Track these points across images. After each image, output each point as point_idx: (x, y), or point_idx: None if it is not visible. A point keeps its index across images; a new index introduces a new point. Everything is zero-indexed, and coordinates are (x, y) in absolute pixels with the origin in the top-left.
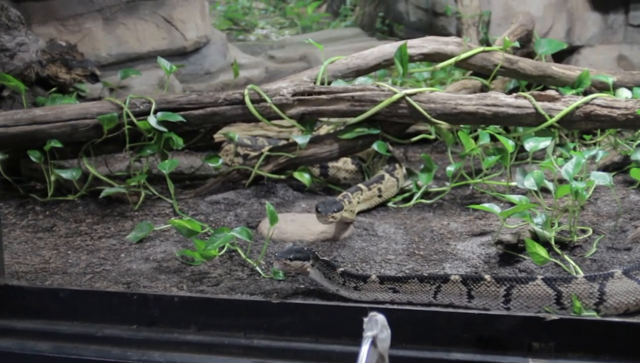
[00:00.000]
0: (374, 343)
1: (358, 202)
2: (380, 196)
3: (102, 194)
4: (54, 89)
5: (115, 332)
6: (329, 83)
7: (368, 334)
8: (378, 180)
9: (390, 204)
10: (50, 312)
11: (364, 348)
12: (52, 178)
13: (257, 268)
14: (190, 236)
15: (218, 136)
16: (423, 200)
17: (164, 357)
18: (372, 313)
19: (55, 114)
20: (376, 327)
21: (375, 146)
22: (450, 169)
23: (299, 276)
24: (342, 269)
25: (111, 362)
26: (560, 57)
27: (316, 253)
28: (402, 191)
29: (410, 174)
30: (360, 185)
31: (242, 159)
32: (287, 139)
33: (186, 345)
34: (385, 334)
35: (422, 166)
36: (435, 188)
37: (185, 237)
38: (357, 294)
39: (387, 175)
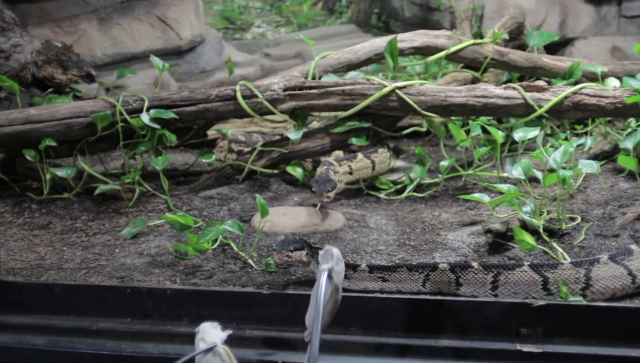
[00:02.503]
0: (329, 275)
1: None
2: (350, 173)
3: (97, 191)
4: (50, 90)
5: (110, 326)
6: (321, 78)
7: (324, 266)
8: (350, 158)
9: (382, 196)
10: (45, 306)
11: (322, 280)
12: (48, 176)
13: (250, 260)
14: (183, 230)
15: (212, 133)
16: (415, 193)
17: (157, 349)
18: (327, 247)
19: (49, 113)
20: (332, 259)
21: (354, 140)
22: (444, 163)
23: (291, 267)
24: None
25: (105, 354)
26: (554, 49)
27: (308, 241)
28: (394, 183)
29: (397, 152)
30: (330, 159)
31: (236, 155)
32: (281, 135)
33: (179, 337)
34: (340, 267)
35: (415, 160)
36: (428, 181)
37: (179, 231)
38: (346, 283)
39: (360, 155)
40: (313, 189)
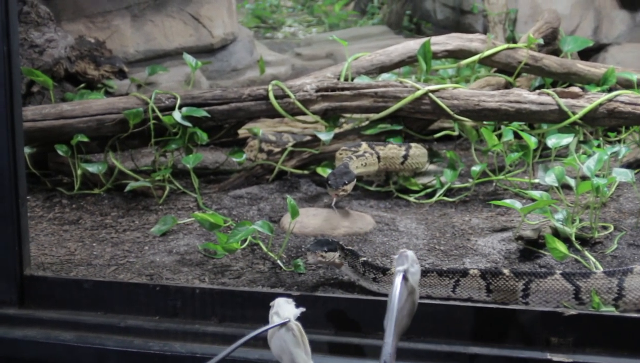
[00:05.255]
0: (405, 277)
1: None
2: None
3: (127, 188)
4: (82, 85)
5: (138, 323)
6: (353, 79)
7: (400, 268)
8: (380, 145)
9: (412, 199)
10: (74, 302)
11: (397, 281)
12: (79, 172)
13: (279, 261)
14: (212, 229)
15: (242, 132)
16: (445, 198)
17: (185, 348)
18: (402, 250)
19: (82, 109)
20: (407, 261)
21: (391, 141)
22: (475, 168)
23: (321, 269)
24: (364, 259)
25: (133, 352)
26: (587, 55)
27: (341, 244)
28: (425, 186)
29: (432, 155)
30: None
31: (266, 155)
32: (312, 135)
33: (207, 337)
34: (416, 268)
35: (446, 163)
36: (458, 185)
37: (208, 230)
38: (375, 286)
39: (392, 144)
40: (330, 183)
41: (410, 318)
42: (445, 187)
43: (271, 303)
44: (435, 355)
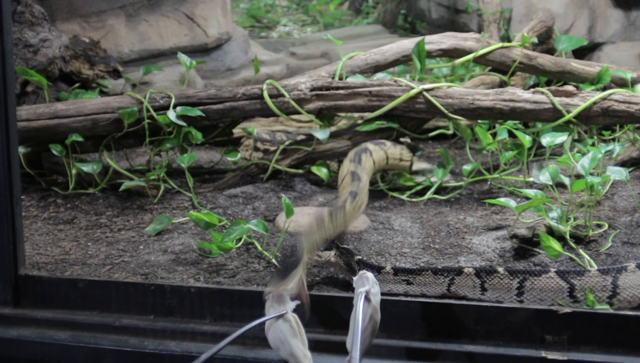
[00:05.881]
0: (367, 298)
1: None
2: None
3: (122, 187)
4: (76, 85)
5: (133, 322)
6: (347, 78)
7: (361, 290)
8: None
9: (405, 198)
10: (69, 301)
11: (360, 304)
12: (73, 171)
13: (273, 260)
14: (207, 228)
15: (237, 131)
16: (438, 196)
17: (180, 347)
18: (361, 272)
19: (76, 108)
20: (367, 282)
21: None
22: (467, 167)
23: (315, 268)
24: (358, 257)
25: (128, 351)
26: (581, 54)
27: (337, 242)
28: (417, 184)
29: (413, 149)
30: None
31: (262, 154)
32: (307, 134)
33: (202, 335)
34: (376, 289)
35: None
36: (452, 184)
37: (203, 229)
38: None
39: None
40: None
41: (372, 337)
42: (436, 185)
43: (265, 297)
44: (431, 353)
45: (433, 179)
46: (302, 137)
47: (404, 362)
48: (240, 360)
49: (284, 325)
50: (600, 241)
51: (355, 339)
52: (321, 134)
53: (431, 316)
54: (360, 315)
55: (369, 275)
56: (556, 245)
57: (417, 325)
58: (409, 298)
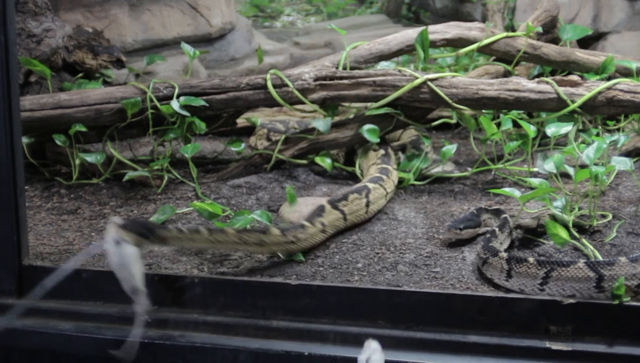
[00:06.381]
0: None
1: (292, 242)
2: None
3: (126, 178)
4: (80, 75)
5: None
6: (352, 68)
7: (361, 357)
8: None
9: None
10: (73, 292)
11: None
12: (77, 161)
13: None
14: (211, 219)
15: (241, 121)
16: (434, 185)
17: (184, 337)
18: (368, 341)
19: (80, 98)
20: (368, 350)
21: (365, 133)
22: (446, 149)
23: (319, 258)
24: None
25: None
26: (586, 43)
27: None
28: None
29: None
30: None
31: (275, 145)
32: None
33: (206, 326)
34: (378, 356)
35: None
36: (456, 174)
37: (207, 219)
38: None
39: (327, 206)
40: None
41: None
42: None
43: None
44: (435, 343)
45: (437, 169)
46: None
47: (408, 352)
48: (243, 350)
49: (131, 250)
50: (605, 231)
51: None
52: (322, 125)
53: (435, 306)
54: None
55: (374, 344)
56: (563, 232)
57: (420, 315)
58: (412, 289)
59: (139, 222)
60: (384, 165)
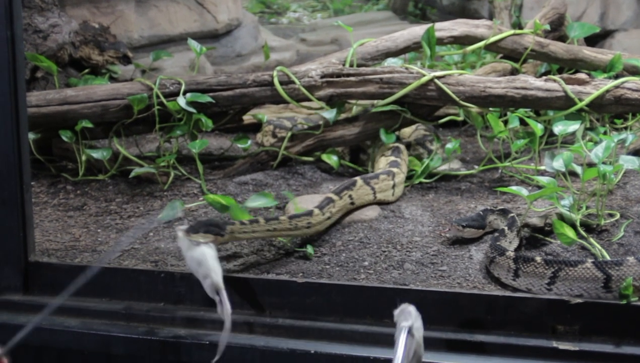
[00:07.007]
0: (410, 332)
1: (329, 218)
2: (352, 203)
3: (132, 174)
4: (86, 71)
5: (143, 309)
6: (358, 65)
7: (404, 324)
8: (349, 187)
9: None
10: (79, 289)
11: (402, 338)
12: (83, 158)
13: (289, 244)
14: (224, 211)
15: (247, 118)
16: (441, 182)
17: (190, 334)
18: (402, 305)
19: (86, 95)
20: (410, 317)
21: (382, 135)
22: (450, 146)
23: (326, 256)
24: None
25: (138, 338)
26: (593, 41)
27: (491, 208)
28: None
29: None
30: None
31: (281, 142)
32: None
33: (212, 323)
34: (419, 323)
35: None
36: (463, 171)
37: (220, 212)
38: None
39: (359, 181)
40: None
41: None
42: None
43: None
44: (441, 342)
45: (443, 167)
46: (321, 122)
47: None
48: (249, 348)
49: (208, 250)
50: (612, 231)
51: None
52: (328, 114)
53: (443, 305)
54: (402, 351)
55: (412, 309)
56: (570, 232)
57: (426, 314)
58: (420, 287)
59: (208, 222)
60: (394, 158)
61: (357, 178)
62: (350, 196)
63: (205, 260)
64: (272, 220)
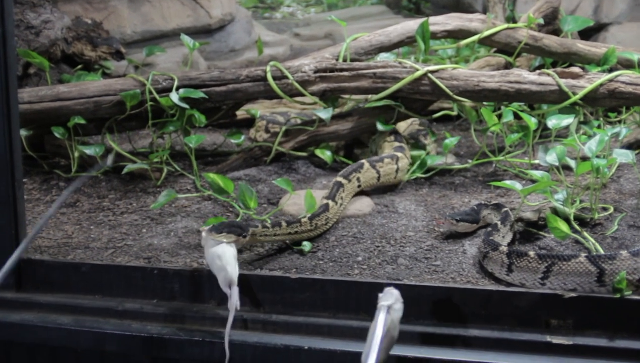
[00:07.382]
0: (388, 312)
1: (341, 204)
2: (359, 186)
3: (125, 170)
4: (79, 67)
5: (136, 306)
6: (352, 60)
7: (384, 303)
8: (356, 169)
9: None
10: (72, 285)
11: (381, 315)
12: (76, 154)
13: (277, 243)
14: (220, 194)
15: (241, 113)
16: (435, 177)
17: (184, 331)
18: (387, 287)
19: (78, 91)
20: (391, 298)
21: (378, 125)
22: (448, 141)
23: (319, 251)
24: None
25: (131, 335)
26: (587, 34)
27: (485, 202)
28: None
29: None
30: (339, 178)
31: (274, 137)
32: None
33: (205, 319)
34: (399, 305)
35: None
36: (457, 166)
37: (216, 194)
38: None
39: (366, 164)
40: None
41: (387, 352)
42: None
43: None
44: (435, 337)
45: (438, 163)
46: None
47: (408, 346)
48: (242, 344)
49: (229, 248)
50: (606, 224)
51: (371, 352)
52: (324, 114)
53: (436, 300)
54: (380, 329)
55: (394, 291)
56: (563, 226)
57: (420, 308)
58: (412, 282)
59: (231, 223)
60: (398, 143)
61: (364, 160)
62: (358, 179)
63: (225, 255)
64: (294, 223)
